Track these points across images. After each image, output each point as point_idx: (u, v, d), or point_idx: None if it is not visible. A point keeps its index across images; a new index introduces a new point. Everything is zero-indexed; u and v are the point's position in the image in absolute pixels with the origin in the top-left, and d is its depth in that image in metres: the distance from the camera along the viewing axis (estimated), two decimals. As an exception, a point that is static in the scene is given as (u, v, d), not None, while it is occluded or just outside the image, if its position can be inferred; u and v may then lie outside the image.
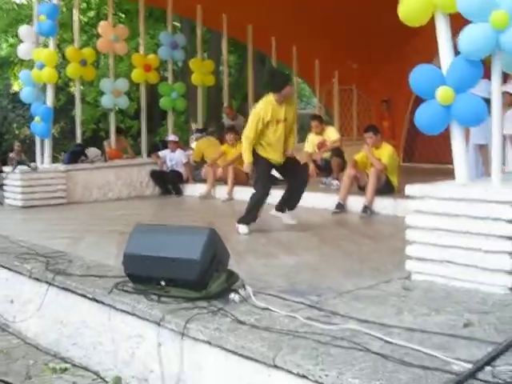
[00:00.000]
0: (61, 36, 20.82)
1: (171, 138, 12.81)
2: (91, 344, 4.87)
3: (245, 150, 7.38)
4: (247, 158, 7.36)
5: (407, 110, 15.02)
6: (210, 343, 3.71)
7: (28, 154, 16.64)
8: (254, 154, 7.36)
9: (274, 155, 7.43)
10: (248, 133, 7.30)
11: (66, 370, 4.85)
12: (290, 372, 3.19)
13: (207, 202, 11.12)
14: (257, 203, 7.55)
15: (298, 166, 7.79)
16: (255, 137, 7.28)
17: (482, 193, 4.47)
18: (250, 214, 7.53)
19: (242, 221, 7.49)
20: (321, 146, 11.03)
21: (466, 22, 4.61)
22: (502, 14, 4.43)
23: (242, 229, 7.39)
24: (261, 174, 7.65)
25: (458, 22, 4.74)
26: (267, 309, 4.03)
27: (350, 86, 16.76)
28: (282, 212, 7.81)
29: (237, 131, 12.05)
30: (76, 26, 12.74)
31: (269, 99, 7.32)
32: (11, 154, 16.94)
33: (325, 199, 9.47)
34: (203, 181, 11.90)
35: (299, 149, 12.38)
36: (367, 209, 8.58)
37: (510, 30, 4.47)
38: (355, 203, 8.92)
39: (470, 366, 2.85)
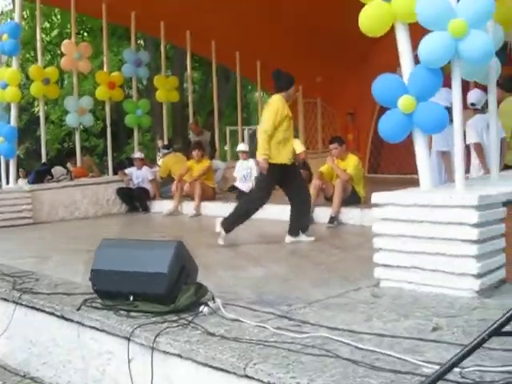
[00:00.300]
0: (24, 56, 20.73)
1: (137, 155, 12.78)
2: (61, 363, 4.81)
3: (262, 143, 7.32)
4: (265, 151, 7.31)
5: (372, 122, 15.17)
6: (180, 356, 3.69)
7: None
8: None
9: (286, 155, 7.43)
10: (266, 127, 7.30)
11: (35, 390, 4.80)
12: (261, 381, 3.19)
13: (174, 218, 11.09)
14: (246, 213, 7.57)
15: (301, 184, 7.85)
16: (272, 131, 7.27)
17: (445, 198, 4.53)
18: (235, 223, 7.51)
19: (224, 224, 7.45)
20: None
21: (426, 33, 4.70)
22: (460, 23, 4.53)
23: (222, 234, 7.41)
24: (264, 185, 7.65)
25: (418, 34, 4.81)
26: (237, 320, 4.02)
27: (314, 100, 16.88)
28: (298, 235, 7.68)
29: (202, 147, 12.09)
30: (39, 44, 12.68)
31: (278, 97, 7.45)
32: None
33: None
34: (170, 197, 11.88)
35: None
36: (334, 219, 8.62)
37: (468, 38, 4.57)
38: (322, 214, 8.96)
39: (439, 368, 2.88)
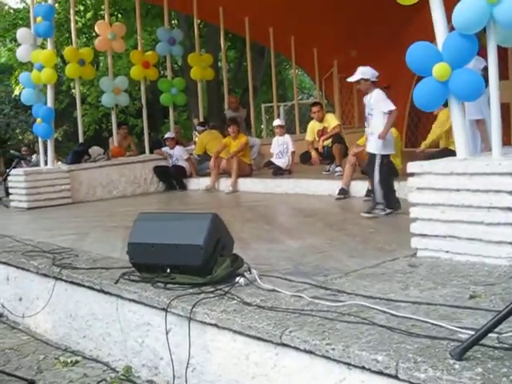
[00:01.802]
0: (58, 38, 20.87)
1: (168, 135, 12.86)
2: (100, 335, 4.90)
3: None
4: None
5: (409, 95, 14.95)
6: (217, 326, 3.73)
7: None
8: None
9: None
10: None
11: (76, 362, 4.88)
12: (297, 348, 3.22)
13: (212, 194, 11.14)
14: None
15: None
16: None
17: (482, 166, 4.47)
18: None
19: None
20: (321, 133, 11.01)
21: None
22: (496, -13, 4.43)
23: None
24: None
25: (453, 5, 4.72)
26: (273, 290, 4.05)
27: (349, 75, 16.69)
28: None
29: (238, 123, 12.06)
30: (73, 26, 12.77)
31: None
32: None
33: (328, 186, 9.47)
34: (207, 174, 11.91)
35: (302, 138, 12.45)
36: (371, 192, 8.55)
37: (503, 3, 4.47)
38: (359, 188, 8.91)
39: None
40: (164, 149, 12.63)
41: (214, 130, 13.36)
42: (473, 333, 2.80)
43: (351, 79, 7.39)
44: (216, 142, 12.21)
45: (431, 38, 5.01)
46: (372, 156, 7.26)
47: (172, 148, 12.43)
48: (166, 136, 12.82)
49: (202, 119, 14.39)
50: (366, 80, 7.38)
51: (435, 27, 4.93)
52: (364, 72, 7.38)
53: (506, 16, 4.52)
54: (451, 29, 4.82)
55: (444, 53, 4.78)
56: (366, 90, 7.37)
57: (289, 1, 13.41)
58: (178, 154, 12.35)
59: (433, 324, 3.17)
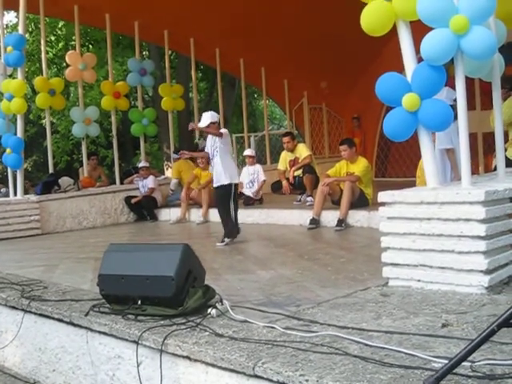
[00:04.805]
0: (29, 68, 20.81)
1: (142, 164, 12.80)
2: (70, 369, 4.81)
3: None
4: None
5: (378, 125, 15.15)
6: (189, 358, 3.68)
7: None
8: None
9: None
10: None
11: (45, 397, 4.79)
12: (271, 380, 3.17)
13: (182, 225, 11.09)
14: None
15: None
16: None
17: (452, 195, 4.51)
18: None
19: None
20: (293, 163, 11.06)
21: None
22: (462, 19, 4.53)
23: None
24: None
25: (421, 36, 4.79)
26: (245, 321, 4.01)
27: (319, 105, 16.87)
28: None
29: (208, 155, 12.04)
30: (43, 56, 12.73)
31: None
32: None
33: (299, 215, 9.50)
34: (177, 205, 11.87)
35: (273, 168, 12.51)
36: (342, 222, 8.59)
37: (470, 34, 4.56)
38: (330, 217, 8.94)
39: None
40: (135, 179, 12.61)
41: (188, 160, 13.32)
42: (446, 362, 2.80)
43: (201, 125, 8.05)
44: (190, 174, 12.18)
45: (400, 69, 5.08)
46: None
47: (146, 177, 12.38)
48: (141, 165, 12.76)
49: (173, 149, 14.40)
50: (214, 123, 8.01)
51: (404, 58, 5.00)
52: (212, 116, 8.04)
53: (473, 47, 4.60)
54: (419, 60, 4.89)
55: (413, 83, 4.84)
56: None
57: (260, 33, 13.53)
58: (148, 184, 12.29)
59: (406, 353, 3.16)
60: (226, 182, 7.90)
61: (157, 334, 3.91)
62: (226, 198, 7.92)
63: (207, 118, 7.95)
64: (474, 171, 6.81)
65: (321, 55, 14.15)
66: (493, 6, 4.64)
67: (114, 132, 13.63)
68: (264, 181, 11.62)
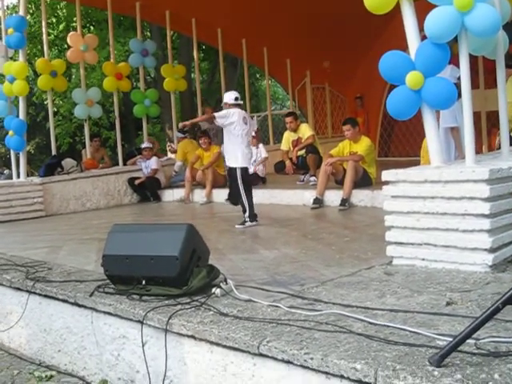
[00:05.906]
0: (31, 50, 20.73)
1: (144, 145, 12.78)
2: (75, 349, 4.83)
3: None
4: None
5: (381, 105, 15.10)
6: (193, 337, 3.69)
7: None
8: None
9: None
10: None
11: (51, 377, 4.80)
12: (275, 359, 3.19)
13: (186, 205, 11.10)
14: None
15: None
16: None
17: (456, 173, 4.49)
18: None
19: None
20: (296, 143, 11.05)
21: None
22: (466, -5, 4.48)
23: None
24: None
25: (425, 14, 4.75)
26: (249, 300, 4.02)
27: (322, 85, 16.80)
28: None
29: (209, 135, 12.05)
30: (45, 38, 12.67)
31: None
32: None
33: (303, 195, 9.49)
34: (181, 186, 11.88)
35: (276, 149, 12.47)
36: (345, 201, 8.59)
37: (474, 11, 4.52)
38: (333, 197, 8.94)
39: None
40: (138, 160, 12.60)
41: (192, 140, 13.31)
42: (451, 339, 2.80)
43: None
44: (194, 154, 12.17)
45: (403, 47, 5.05)
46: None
47: (148, 158, 12.38)
48: (144, 146, 12.75)
49: (176, 131, 14.36)
50: (226, 103, 8.08)
51: (407, 36, 4.96)
52: (225, 96, 8.19)
53: (477, 24, 4.57)
54: (423, 38, 4.86)
55: (416, 61, 4.81)
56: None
57: (261, 12, 13.45)
58: (151, 165, 12.29)
59: (411, 331, 3.16)
60: (231, 165, 7.88)
61: (161, 314, 3.92)
62: (235, 181, 7.90)
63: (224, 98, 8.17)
64: (478, 150, 6.78)
65: (323, 34, 14.06)
66: (497, -19, 4.61)
67: (116, 113, 13.60)
68: (266, 157, 11.60)
